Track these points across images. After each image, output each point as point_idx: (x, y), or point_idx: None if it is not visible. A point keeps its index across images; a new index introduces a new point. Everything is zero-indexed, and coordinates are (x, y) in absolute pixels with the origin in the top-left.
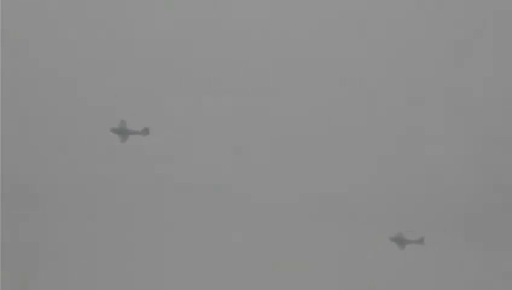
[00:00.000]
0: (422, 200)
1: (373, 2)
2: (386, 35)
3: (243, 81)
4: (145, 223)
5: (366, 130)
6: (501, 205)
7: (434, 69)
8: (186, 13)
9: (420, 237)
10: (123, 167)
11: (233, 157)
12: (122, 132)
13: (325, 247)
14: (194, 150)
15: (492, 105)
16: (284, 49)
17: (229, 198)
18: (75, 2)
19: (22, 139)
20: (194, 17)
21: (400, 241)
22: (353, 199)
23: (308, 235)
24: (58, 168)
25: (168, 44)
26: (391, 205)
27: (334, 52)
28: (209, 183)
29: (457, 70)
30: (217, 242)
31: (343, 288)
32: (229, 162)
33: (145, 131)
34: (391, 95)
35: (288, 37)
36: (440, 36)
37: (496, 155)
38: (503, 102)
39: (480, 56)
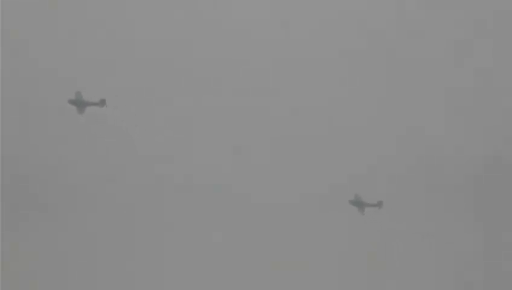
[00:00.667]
0: (423, 200)
1: (373, 2)
2: (386, 35)
3: (243, 81)
4: (145, 223)
5: (366, 129)
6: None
7: (434, 69)
8: (187, 13)
9: (379, 200)
10: (123, 167)
11: (233, 157)
12: (79, 104)
13: (324, 246)
14: (194, 150)
15: (492, 105)
16: (284, 49)
17: (229, 198)
18: (75, 2)
19: (22, 139)
20: (194, 17)
21: (359, 204)
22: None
23: (307, 235)
24: (58, 169)
25: (168, 44)
26: (391, 203)
27: (334, 52)
28: (209, 183)
29: (457, 71)
30: (216, 242)
31: (343, 287)
32: (229, 162)
33: (102, 102)
34: (391, 95)
35: (289, 37)
36: (440, 36)
37: (496, 154)
38: (503, 102)
39: (480, 56)
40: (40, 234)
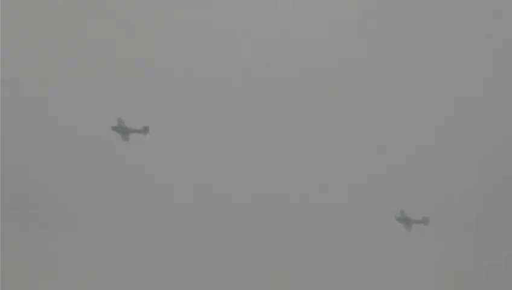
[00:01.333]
0: (432, 205)
1: (373, 3)
2: (386, 36)
3: (244, 82)
4: (144, 223)
5: (369, 130)
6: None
7: (434, 69)
8: (187, 14)
9: (424, 217)
10: (123, 167)
11: (232, 158)
12: (123, 131)
13: (327, 248)
14: (193, 151)
15: (492, 105)
16: (285, 49)
17: (229, 199)
18: (74, 3)
19: (23, 140)
20: (195, 18)
21: (405, 221)
22: (356, 201)
23: (311, 236)
24: (58, 171)
25: (170, 48)
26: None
27: (334, 52)
28: (209, 183)
29: (457, 71)
30: (216, 243)
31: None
32: (227, 162)
33: (145, 129)
34: (392, 95)
35: (290, 38)
36: (440, 36)
37: (496, 154)
38: (503, 102)
39: (480, 56)
40: (40, 235)
